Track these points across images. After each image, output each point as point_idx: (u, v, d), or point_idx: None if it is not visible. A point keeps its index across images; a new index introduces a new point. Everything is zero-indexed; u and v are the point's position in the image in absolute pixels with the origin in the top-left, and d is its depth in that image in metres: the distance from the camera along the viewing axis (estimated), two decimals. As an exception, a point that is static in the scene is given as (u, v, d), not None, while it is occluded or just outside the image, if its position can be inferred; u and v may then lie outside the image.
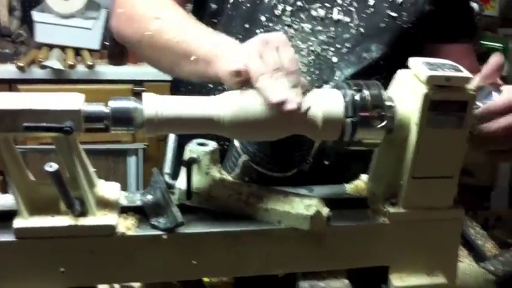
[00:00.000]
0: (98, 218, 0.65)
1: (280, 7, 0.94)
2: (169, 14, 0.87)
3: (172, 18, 0.86)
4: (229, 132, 0.66)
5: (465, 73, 0.67)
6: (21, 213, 0.64)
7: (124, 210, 0.70)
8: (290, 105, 0.63)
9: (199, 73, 0.78)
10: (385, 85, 0.72)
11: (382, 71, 0.93)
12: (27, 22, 2.27)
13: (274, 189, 0.73)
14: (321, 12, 0.95)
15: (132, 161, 2.35)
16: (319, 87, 0.72)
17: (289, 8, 0.94)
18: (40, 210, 0.64)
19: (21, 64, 2.07)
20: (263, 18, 0.94)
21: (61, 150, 0.62)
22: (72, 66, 2.13)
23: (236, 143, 0.75)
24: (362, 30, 0.96)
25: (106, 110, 0.62)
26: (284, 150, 0.73)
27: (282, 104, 0.62)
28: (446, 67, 0.67)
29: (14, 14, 2.20)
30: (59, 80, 2.13)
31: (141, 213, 0.70)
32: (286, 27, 0.94)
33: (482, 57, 2.44)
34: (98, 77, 2.19)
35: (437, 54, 1.05)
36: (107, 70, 2.20)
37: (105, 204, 0.68)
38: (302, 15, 0.94)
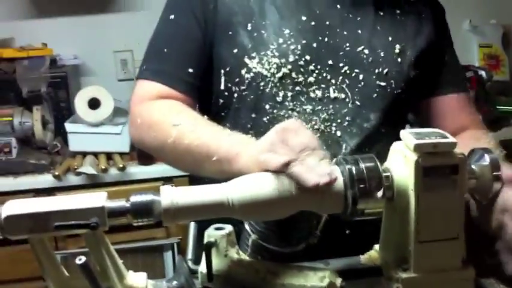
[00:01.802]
0: (128, 306, 0.71)
1: (281, 94, 1.02)
2: (185, 119, 0.94)
3: (189, 123, 0.92)
4: (239, 214, 0.72)
5: (451, 139, 0.72)
6: (58, 306, 0.70)
7: (152, 298, 0.75)
8: (323, 180, 0.69)
9: (222, 171, 0.83)
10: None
11: (384, 137, 1.01)
12: (60, 133, 2.42)
13: (290, 265, 0.78)
14: (319, 93, 1.03)
15: (168, 255, 2.40)
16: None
17: (289, 94, 1.02)
18: (75, 303, 0.70)
19: (57, 173, 2.19)
20: (267, 107, 1.03)
21: (90, 245, 0.69)
22: (104, 170, 2.24)
23: (246, 224, 0.81)
24: (358, 103, 1.04)
25: (127, 204, 0.69)
26: (290, 226, 0.78)
27: (317, 185, 0.69)
28: (433, 135, 0.73)
29: (47, 127, 2.35)
30: (94, 184, 2.24)
31: (168, 299, 0.76)
32: (289, 112, 1.02)
33: (498, 121, 2.48)
34: (130, 178, 2.29)
35: (434, 108, 1.15)
36: (137, 170, 2.30)
37: (133, 292, 0.74)
38: (302, 98, 1.03)
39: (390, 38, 1.07)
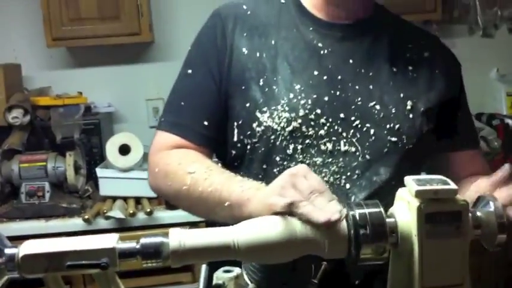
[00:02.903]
0: None
1: (291, 147, 1.04)
2: (199, 167, 0.99)
3: (202, 171, 0.97)
4: (244, 257, 0.74)
5: (452, 186, 0.74)
6: None
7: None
8: (334, 216, 0.72)
9: (233, 216, 0.87)
10: None
11: (394, 189, 1.00)
12: (92, 178, 2.50)
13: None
14: (329, 146, 1.04)
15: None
16: None
17: (299, 147, 1.04)
18: None
19: (87, 217, 2.25)
20: (278, 159, 1.05)
21: (101, 284, 0.72)
22: (133, 214, 2.30)
23: (244, 273, 0.83)
24: (368, 157, 1.05)
25: (137, 246, 0.72)
26: (286, 275, 0.79)
27: (328, 221, 0.72)
28: (435, 181, 0.74)
29: (80, 172, 2.42)
30: (122, 228, 2.29)
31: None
32: (299, 163, 1.03)
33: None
34: (157, 222, 2.34)
35: (446, 163, 1.16)
36: (164, 215, 2.35)
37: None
38: (312, 151, 1.04)
39: (402, 94, 1.08)
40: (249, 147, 1.07)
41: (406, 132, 1.07)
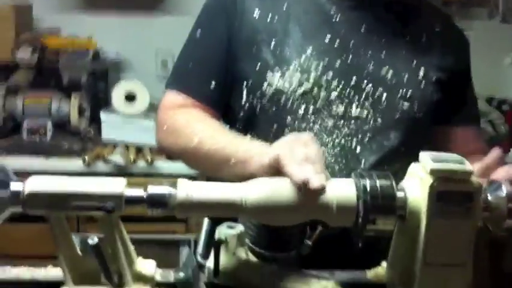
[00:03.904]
0: (133, 291, 0.73)
1: (302, 107, 1.04)
2: (206, 126, 1.02)
3: (209, 130, 1.00)
4: (250, 216, 0.73)
5: (468, 166, 0.73)
6: (67, 283, 0.73)
7: (158, 285, 0.78)
8: (312, 184, 0.71)
9: (238, 174, 0.87)
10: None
11: (403, 156, 1.02)
12: (95, 122, 2.48)
13: (295, 270, 0.79)
14: (341, 110, 1.05)
15: (184, 250, 2.43)
16: (348, 175, 0.80)
17: (311, 108, 1.04)
18: (84, 281, 0.73)
19: (87, 158, 2.25)
20: (289, 119, 1.05)
21: (104, 228, 0.71)
22: (133, 162, 2.29)
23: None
24: (379, 121, 1.06)
25: (144, 194, 0.71)
26: (280, 232, 0.79)
27: (306, 183, 0.71)
28: (451, 160, 0.73)
29: (83, 115, 2.41)
30: (121, 174, 2.28)
31: (174, 288, 0.78)
32: (311, 124, 1.04)
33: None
34: (157, 172, 2.33)
35: (448, 137, 1.18)
36: (165, 165, 2.34)
37: (141, 278, 0.76)
38: (323, 113, 1.05)
39: (414, 62, 1.09)
40: (258, 108, 1.07)
41: (418, 99, 1.08)
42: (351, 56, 1.07)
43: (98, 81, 2.56)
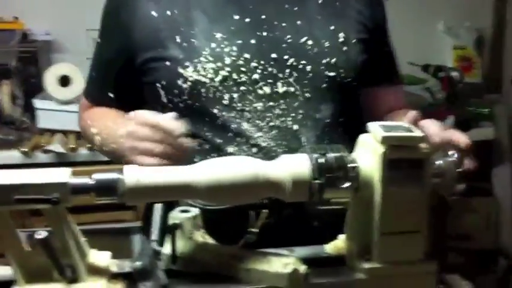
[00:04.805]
0: (88, 284, 0.70)
1: (226, 96, 1.01)
2: (103, 124, 1.07)
3: (104, 128, 1.06)
4: (204, 198, 0.71)
5: (417, 133, 0.73)
6: (19, 282, 0.69)
7: (114, 277, 0.75)
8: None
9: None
10: (352, 145, 0.79)
11: (341, 127, 1.03)
12: (29, 110, 2.38)
13: (255, 250, 0.78)
14: (267, 90, 1.02)
15: (136, 238, 2.38)
16: None
17: (235, 95, 1.01)
18: (35, 278, 0.69)
19: (25, 149, 2.15)
20: (215, 111, 1.01)
21: (51, 221, 0.68)
22: (74, 149, 2.21)
23: None
24: (308, 95, 1.03)
25: (91, 181, 0.68)
26: (221, 224, 0.80)
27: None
28: (401, 128, 0.74)
29: (16, 102, 2.31)
30: (62, 163, 2.21)
31: (130, 278, 0.75)
32: (240, 112, 1.01)
33: (467, 122, 2.53)
34: (100, 159, 2.25)
35: (374, 98, 1.19)
36: (107, 151, 2.29)
37: (95, 271, 0.73)
38: (250, 97, 1.01)
39: (332, 27, 1.07)
40: (181, 105, 1.03)
41: (343, 65, 1.05)
42: (265, 32, 1.03)
43: (28, 66, 2.45)
